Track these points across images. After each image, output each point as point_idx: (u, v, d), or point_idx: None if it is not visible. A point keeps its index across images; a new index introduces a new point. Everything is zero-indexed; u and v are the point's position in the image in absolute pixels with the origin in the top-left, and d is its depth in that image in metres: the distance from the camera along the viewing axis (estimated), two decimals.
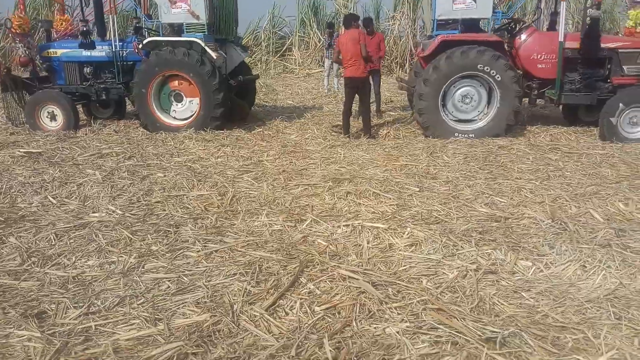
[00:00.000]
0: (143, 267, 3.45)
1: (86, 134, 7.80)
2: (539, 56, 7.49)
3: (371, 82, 8.23)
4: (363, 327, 2.71)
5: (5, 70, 8.12)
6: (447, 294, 3.06)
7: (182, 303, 2.99)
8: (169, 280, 3.26)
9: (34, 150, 6.52)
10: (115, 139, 7.55)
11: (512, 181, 5.25)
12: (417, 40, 17.16)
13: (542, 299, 2.99)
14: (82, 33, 8.51)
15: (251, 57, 17.82)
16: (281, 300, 3.00)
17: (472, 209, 4.48)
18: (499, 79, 7.03)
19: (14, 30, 8.35)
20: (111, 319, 2.83)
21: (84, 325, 2.76)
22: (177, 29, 8.08)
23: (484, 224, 4.11)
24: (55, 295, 3.08)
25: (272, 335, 2.66)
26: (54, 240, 3.88)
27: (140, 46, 7.95)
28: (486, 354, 2.45)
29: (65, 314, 2.89)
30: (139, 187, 5.15)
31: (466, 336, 2.58)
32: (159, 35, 8.07)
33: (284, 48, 19.40)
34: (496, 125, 7.25)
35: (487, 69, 7.00)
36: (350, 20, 7.58)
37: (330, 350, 2.48)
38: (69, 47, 8.44)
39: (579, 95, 7.38)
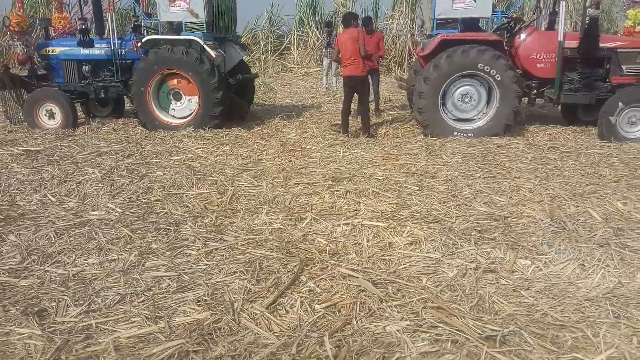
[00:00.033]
0: (143, 265, 3.45)
1: (85, 132, 7.80)
2: (538, 55, 7.50)
3: (370, 81, 8.24)
4: (363, 325, 2.72)
5: (3, 68, 8.10)
6: (446, 293, 3.07)
7: (183, 301, 2.99)
8: (170, 278, 3.26)
9: (32, 149, 6.51)
10: (114, 137, 7.54)
11: (510, 180, 5.26)
12: (416, 40, 17.17)
13: (542, 298, 3.00)
14: (80, 31, 8.50)
15: (250, 55, 17.80)
16: (281, 299, 3.01)
17: (471, 207, 4.49)
18: (499, 78, 7.04)
19: (12, 28, 8.33)
20: (112, 316, 2.84)
21: (84, 323, 2.77)
22: (176, 28, 8.06)
23: (483, 223, 4.12)
24: (56, 293, 3.09)
25: (273, 333, 2.66)
26: (54, 238, 3.88)
27: (139, 44, 7.94)
28: (486, 352, 2.46)
29: (66, 311, 2.89)
30: (139, 185, 5.15)
31: (466, 334, 2.59)
32: (157, 34, 8.07)
33: (283, 47, 19.41)
34: (495, 124, 7.26)
35: (487, 68, 7.01)
36: (350, 19, 7.58)
37: (331, 348, 2.49)
38: (67, 45, 8.43)
39: (578, 95, 7.40)
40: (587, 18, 7.27)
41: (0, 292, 3.11)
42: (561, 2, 7.23)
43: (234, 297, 3.01)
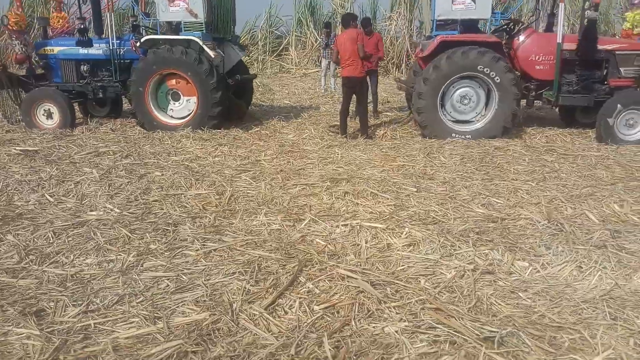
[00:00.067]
0: (142, 266, 3.45)
1: (83, 133, 7.78)
2: (537, 57, 7.51)
3: (368, 82, 8.25)
4: (362, 326, 2.72)
5: (1, 68, 8.08)
6: (445, 294, 3.08)
7: (182, 301, 2.99)
8: (168, 279, 3.26)
9: (30, 148, 6.50)
10: (112, 137, 7.53)
11: (508, 182, 5.28)
12: (413, 41, 17.20)
13: (539, 299, 3.01)
14: (79, 31, 8.48)
15: (248, 56, 17.80)
16: (280, 299, 3.01)
17: (469, 209, 4.51)
18: (498, 81, 7.06)
19: (10, 27, 8.31)
20: (110, 317, 2.83)
21: (83, 324, 2.76)
22: (175, 27, 8.06)
23: (481, 225, 4.14)
24: (54, 293, 3.08)
25: (272, 334, 2.67)
26: (52, 238, 3.87)
27: (138, 44, 7.93)
28: (484, 353, 2.47)
29: (64, 312, 2.89)
30: (137, 185, 5.14)
31: (464, 335, 2.60)
32: (156, 34, 8.06)
33: (281, 47, 19.40)
34: (493, 127, 7.28)
35: (487, 70, 7.03)
36: (349, 19, 7.59)
37: (330, 349, 2.50)
38: (65, 45, 8.41)
39: (576, 97, 7.42)
40: (586, 20, 7.30)
41: None
42: (560, 3, 7.26)
43: (232, 298, 3.01)
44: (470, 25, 7.47)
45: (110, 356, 2.49)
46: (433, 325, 2.71)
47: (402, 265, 3.45)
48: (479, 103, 7.34)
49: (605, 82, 7.37)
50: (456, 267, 3.38)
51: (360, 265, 3.45)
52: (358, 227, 4.08)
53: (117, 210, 4.44)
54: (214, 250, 3.69)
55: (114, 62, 8.23)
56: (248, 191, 5.05)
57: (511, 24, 8.18)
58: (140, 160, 6.14)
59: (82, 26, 8.50)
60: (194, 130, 7.63)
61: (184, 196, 4.86)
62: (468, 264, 3.43)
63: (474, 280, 3.20)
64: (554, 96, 7.42)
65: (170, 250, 3.70)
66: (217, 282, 3.22)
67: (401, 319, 2.79)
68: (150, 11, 11.36)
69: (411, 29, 18.19)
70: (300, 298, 3.01)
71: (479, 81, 7.22)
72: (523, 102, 7.88)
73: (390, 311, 2.87)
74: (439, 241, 3.76)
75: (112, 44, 8.14)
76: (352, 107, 8.10)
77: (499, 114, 7.22)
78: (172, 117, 8.07)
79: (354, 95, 7.59)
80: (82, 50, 8.30)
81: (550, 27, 8.41)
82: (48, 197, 4.76)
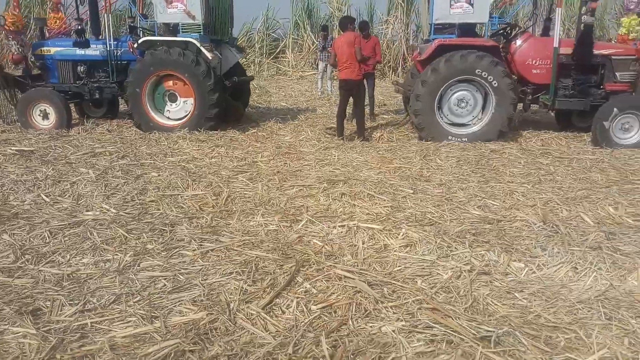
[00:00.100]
0: (139, 266, 3.45)
1: (79, 133, 7.76)
2: (534, 62, 7.56)
3: (365, 85, 8.28)
4: (359, 326, 2.73)
5: None
6: (441, 294, 3.09)
7: (179, 301, 2.99)
8: (165, 279, 3.26)
9: (26, 149, 6.48)
10: (108, 138, 7.52)
11: (504, 184, 5.31)
12: (411, 44, 17.27)
13: (535, 300, 3.03)
14: (76, 31, 8.46)
15: (245, 58, 17.82)
16: (278, 299, 3.01)
17: (466, 211, 4.52)
18: (496, 85, 7.09)
19: (7, 28, 8.33)
20: (107, 316, 2.83)
21: (79, 323, 2.76)
22: (172, 29, 8.07)
23: (477, 226, 4.15)
24: (50, 293, 3.07)
25: (269, 334, 2.67)
26: (48, 237, 3.86)
27: (135, 45, 7.93)
28: (481, 352, 2.48)
29: (61, 311, 2.88)
30: (133, 186, 5.14)
31: (461, 335, 2.62)
32: (154, 35, 8.06)
33: (278, 50, 19.44)
34: (489, 130, 7.32)
35: (485, 74, 7.06)
36: (347, 22, 7.61)
37: (327, 348, 2.50)
38: (62, 46, 8.40)
39: (573, 101, 7.46)
40: (582, 25, 7.35)
41: None
42: (558, 8, 7.31)
43: (230, 298, 3.01)
44: (467, 29, 7.51)
45: (107, 355, 2.49)
46: (430, 324, 2.72)
47: (399, 266, 3.46)
48: (475, 106, 7.38)
49: (601, 87, 7.42)
50: (453, 268, 3.40)
51: (358, 265, 3.45)
52: (355, 228, 4.09)
53: (114, 211, 4.43)
54: (211, 250, 3.69)
55: (111, 63, 8.22)
56: (245, 192, 5.06)
57: (508, 28, 8.24)
58: (136, 161, 6.13)
59: (79, 27, 8.48)
60: (190, 132, 7.63)
61: (181, 197, 4.86)
62: (464, 264, 3.44)
63: (470, 281, 3.22)
64: (551, 100, 7.46)
65: (167, 250, 3.69)
66: (214, 282, 3.22)
67: (398, 318, 2.80)
68: (147, 12, 11.35)
69: (408, 33, 18.27)
70: (297, 298, 3.01)
71: (476, 85, 7.25)
72: (520, 105, 7.92)
73: (387, 311, 2.87)
74: (436, 242, 3.77)
75: (110, 45, 8.14)
76: (349, 109, 8.11)
77: (495, 118, 7.26)
78: (169, 118, 8.06)
79: (351, 98, 7.61)
80: (79, 51, 8.28)
81: (546, 32, 8.46)
82: (44, 197, 4.75)
